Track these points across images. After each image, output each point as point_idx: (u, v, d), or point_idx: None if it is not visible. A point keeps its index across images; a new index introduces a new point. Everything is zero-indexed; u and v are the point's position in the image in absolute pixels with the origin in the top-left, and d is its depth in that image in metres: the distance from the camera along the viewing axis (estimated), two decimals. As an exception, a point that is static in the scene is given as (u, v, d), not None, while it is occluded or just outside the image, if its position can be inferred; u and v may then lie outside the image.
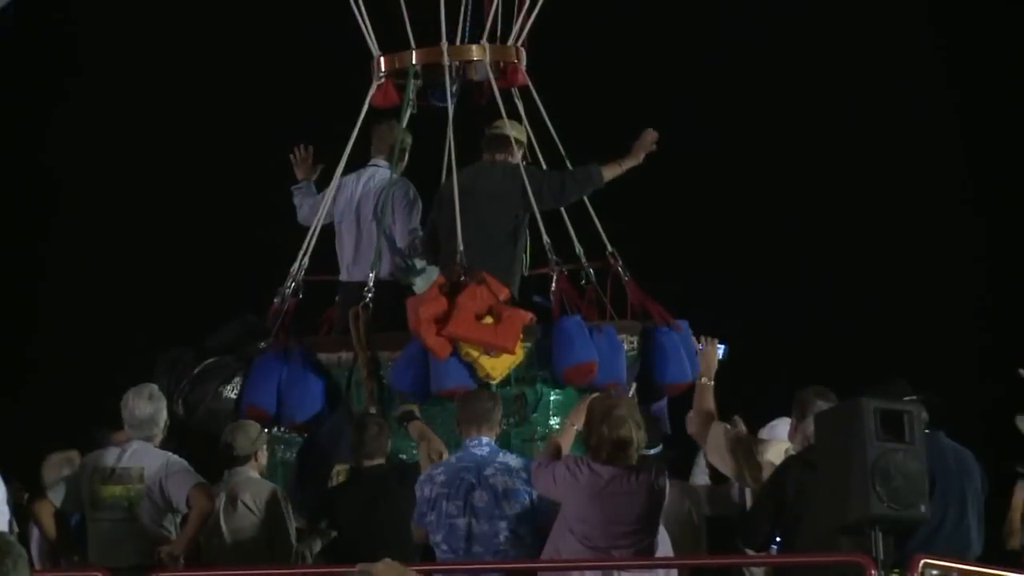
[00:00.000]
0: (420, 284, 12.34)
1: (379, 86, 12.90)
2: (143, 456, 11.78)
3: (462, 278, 12.01)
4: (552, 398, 12.31)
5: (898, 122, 24.50)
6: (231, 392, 12.52)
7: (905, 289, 23.09)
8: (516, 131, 12.85)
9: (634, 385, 12.35)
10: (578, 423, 11.03)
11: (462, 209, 12.30)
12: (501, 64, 13.01)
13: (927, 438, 10.38)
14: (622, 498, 10.59)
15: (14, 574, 5.55)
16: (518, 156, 12.76)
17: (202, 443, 12.62)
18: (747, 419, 12.31)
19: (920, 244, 23.94)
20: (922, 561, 9.98)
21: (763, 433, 12.08)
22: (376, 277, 12.38)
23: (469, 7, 12.90)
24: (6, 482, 11.04)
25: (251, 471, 11.95)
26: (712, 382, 11.61)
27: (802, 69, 24.16)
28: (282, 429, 12.46)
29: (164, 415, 12.15)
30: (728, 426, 11.51)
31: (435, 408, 12.01)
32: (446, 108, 12.90)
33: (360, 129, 13.03)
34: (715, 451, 11.52)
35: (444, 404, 11.99)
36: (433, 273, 12.29)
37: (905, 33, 25.80)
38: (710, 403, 11.49)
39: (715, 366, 11.73)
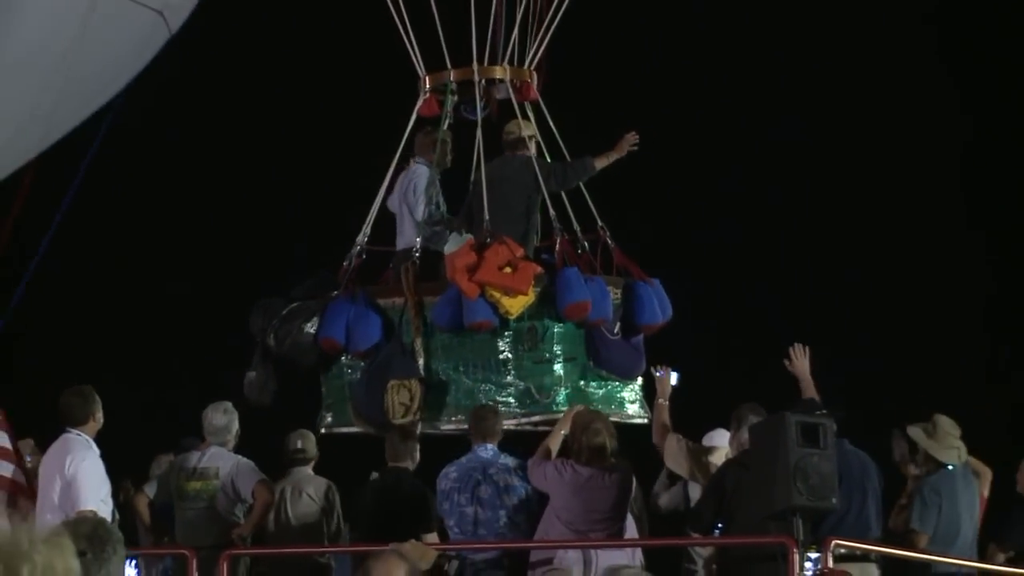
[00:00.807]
0: (449, 247, 13.38)
1: (424, 100, 13.99)
2: (219, 458, 12.96)
3: (488, 240, 13.10)
4: (556, 330, 13.28)
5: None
6: (311, 328, 13.33)
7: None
8: (528, 130, 13.92)
9: (619, 324, 13.41)
10: (565, 430, 12.24)
11: (488, 191, 13.46)
12: (518, 82, 14.12)
13: (836, 445, 11.43)
14: (598, 492, 11.81)
15: (115, 557, 5.89)
16: (532, 151, 13.80)
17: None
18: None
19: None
20: (833, 542, 11.03)
21: (704, 441, 13.24)
22: (405, 244, 13.67)
23: (493, 35, 13.89)
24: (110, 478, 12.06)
25: (310, 469, 13.15)
26: (667, 402, 12.68)
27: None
28: (350, 356, 13.38)
29: (236, 425, 13.25)
30: (680, 436, 12.52)
31: (466, 337, 13.08)
32: (472, 118, 13.95)
33: (410, 138, 14.13)
34: (671, 457, 12.64)
35: (473, 335, 13.01)
36: (460, 239, 13.34)
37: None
38: (666, 419, 12.55)
39: (669, 390, 12.72)
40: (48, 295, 17.82)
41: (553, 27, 13.73)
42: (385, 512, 12.45)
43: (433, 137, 13.83)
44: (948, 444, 12.68)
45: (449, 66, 13.76)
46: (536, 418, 13.11)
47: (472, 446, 12.50)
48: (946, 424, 12.75)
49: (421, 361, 12.97)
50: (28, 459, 12.98)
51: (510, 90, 13.70)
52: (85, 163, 15.21)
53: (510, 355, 13.05)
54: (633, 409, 13.46)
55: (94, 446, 11.96)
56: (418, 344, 12.97)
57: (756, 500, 11.32)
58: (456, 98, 13.75)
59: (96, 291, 19.93)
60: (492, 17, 13.58)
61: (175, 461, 13.25)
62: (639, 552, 11.91)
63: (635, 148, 13.75)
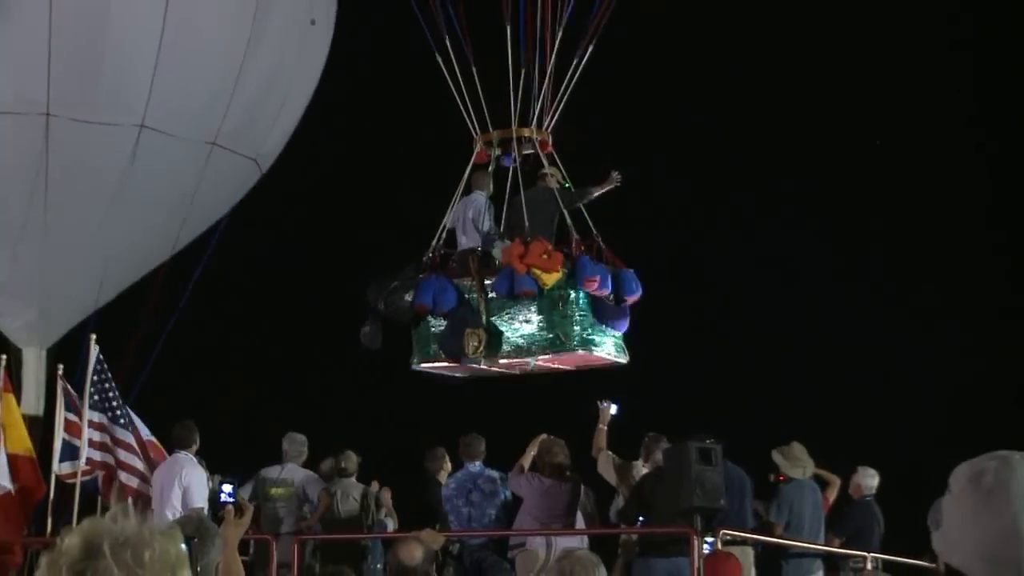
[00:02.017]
0: (496, 250, 13.37)
1: (477, 151, 13.83)
2: (294, 472, 12.92)
3: (528, 239, 12.94)
4: (573, 297, 13.01)
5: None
6: (408, 297, 13.19)
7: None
8: (553, 172, 13.70)
9: (612, 295, 13.16)
10: (533, 451, 11.97)
11: (527, 208, 13.28)
12: (539, 140, 13.85)
13: (723, 463, 11.39)
14: (556, 497, 11.78)
15: (212, 547, 5.89)
16: (554, 184, 13.60)
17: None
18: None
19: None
20: (721, 531, 11.08)
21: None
22: (470, 245, 13.58)
23: (523, 108, 13.62)
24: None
25: (354, 479, 13.03)
26: (605, 427, 12.42)
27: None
28: (436, 315, 13.22)
29: (304, 449, 13.20)
30: (610, 453, 12.35)
31: (516, 301, 12.94)
32: (512, 167, 13.76)
33: (469, 176, 13.90)
34: (602, 468, 12.34)
35: (520, 300, 12.88)
36: (504, 243, 13.32)
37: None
38: (603, 442, 12.32)
39: (608, 418, 12.44)
40: (186, 352, 17.30)
41: (561, 104, 13.65)
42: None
43: (485, 175, 13.85)
44: (797, 463, 12.56)
45: (492, 129, 13.76)
46: (562, 354, 13.13)
47: (464, 464, 12.50)
48: (797, 449, 12.63)
49: (484, 317, 13.03)
50: None
51: (536, 144, 13.67)
52: (199, 268, 15.35)
53: (544, 310, 13.03)
54: (614, 352, 13.36)
55: (196, 462, 12.01)
56: (481, 306, 13.01)
57: (667, 502, 11.31)
58: (499, 151, 13.76)
59: (215, 358, 19.24)
60: (519, 99, 13.53)
61: (261, 473, 13.06)
62: (586, 538, 11.84)
63: (618, 183, 13.66)
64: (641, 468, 12.29)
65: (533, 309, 12.98)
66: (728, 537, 11.21)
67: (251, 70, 14.28)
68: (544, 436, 12.13)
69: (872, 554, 12.66)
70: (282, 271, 20.14)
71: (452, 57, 13.50)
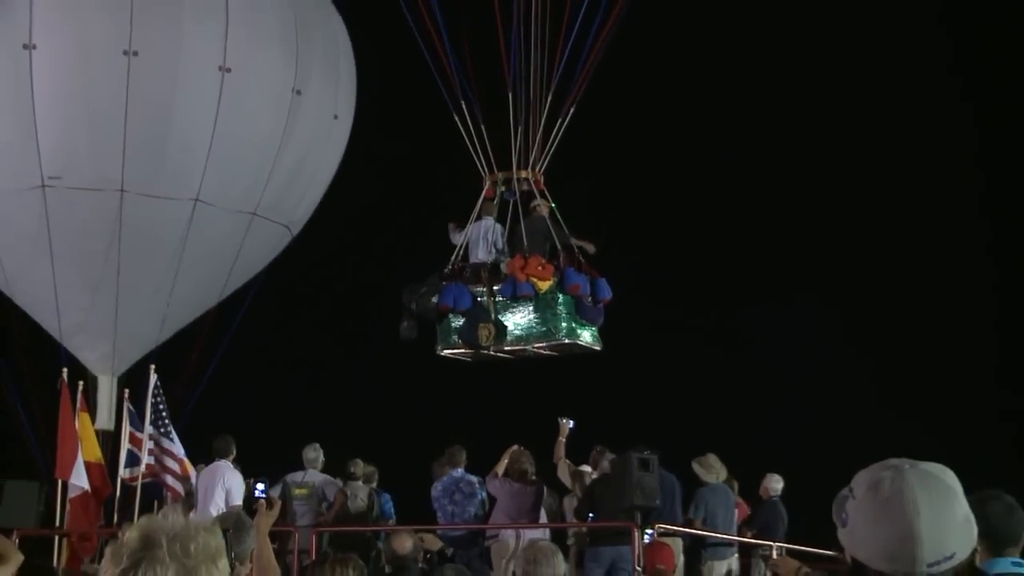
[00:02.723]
0: (502, 264, 13.38)
1: (487, 188, 13.85)
2: (314, 476, 12.72)
3: (528, 255, 13.05)
4: (562, 299, 13.13)
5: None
6: (434, 299, 13.25)
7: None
8: (543, 203, 13.62)
9: (590, 298, 13.28)
10: (506, 460, 11.98)
11: (526, 232, 13.34)
12: (533, 179, 13.83)
13: (658, 470, 11.43)
14: (524, 498, 11.76)
15: (247, 537, 5.72)
16: (544, 212, 13.42)
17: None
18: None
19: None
20: (657, 525, 11.11)
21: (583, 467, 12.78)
22: (481, 259, 13.58)
23: (522, 153, 13.70)
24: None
25: (362, 482, 12.86)
26: (564, 440, 12.27)
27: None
28: (456, 312, 13.27)
29: (321, 457, 12.91)
30: (568, 462, 12.27)
31: (513, 302, 13.15)
32: (513, 199, 13.73)
33: (480, 206, 13.78)
34: (561, 475, 12.26)
35: (520, 301, 13.06)
36: (508, 259, 13.38)
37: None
38: (561, 452, 12.23)
39: (567, 432, 12.27)
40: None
41: (551, 150, 13.73)
42: None
43: (492, 206, 13.89)
44: (710, 471, 12.50)
45: (496, 171, 13.82)
46: (553, 343, 13.28)
47: (449, 470, 12.32)
48: (711, 458, 12.58)
49: (493, 314, 13.19)
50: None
51: (531, 183, 13.74)
52: (241, 312, 15.32)
53: (539, 309, 13.20)
54: (591, 340, 13.53)
55: (234, 468, 11.99)
56: (491, 306, 13.21)
57: (613, 501, 11.33)
58: (503, 188, 13.84)
59: (252, 384, 18.77)
60: (518, 149, 13.64)
61: (286, 477, 12.81)
62: (548, 530, 11.81)
63: (592, 251, 13.70)
64: (591, 474, 12.23)
65: (530, 308, 13.23)
66: (662, 530, 11.23)
67: (286, 155, 14.35)
68: (515, 447, 12.13)
69: (777, 543, 12.62)
70: (308, 316, 20.05)
71: (468, 117, 13.59)
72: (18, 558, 7.18)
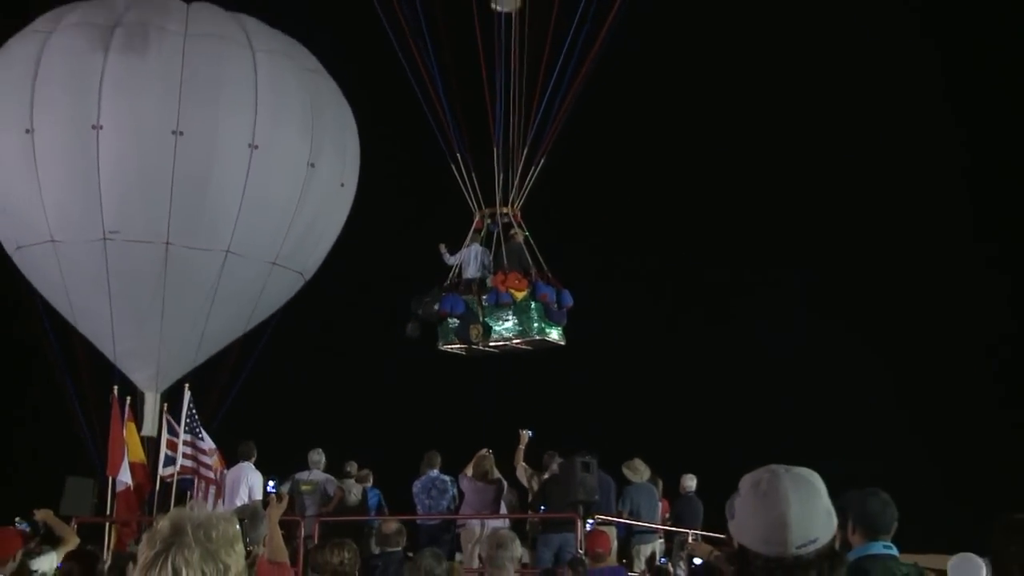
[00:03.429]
0: (487, 279, 13.37)
1: (476, 220, 13.79)
2: (317, 475, 12.60)
3: (507, 271, 13.12)
4: (534, 306, 13.18)
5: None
6: (436, 306, 13.27)
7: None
8: (519, 232, 13.64)
9: (556, 304, 13.37)
10: (473, 463, 11.79)
11: (507, 254, 13.42)
12: (512, 213, 13.76)
13: (597, 471, 11.46)
14: (486, 493, 11.66)
15: (261, 525, 5.77)
16: (520, 240, 13.49)
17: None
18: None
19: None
20: (596, 516, 11.22)
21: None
22: (472, 275, 13.59)
23: (503, 193, 13.71)
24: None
25: (355, 481, 12.70)
26: (523, 447, 12.05)
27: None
28: (452, 316, 13.28)
29: (324, 460, 12.70)
30: (526, 466, 12.08)
31: (496, 308, 13.20)
32: (496, 229, 13.70)
33: (471, 234, 13.81)
34: (520, 477, 12.07)
35: (502, 307, 13.10)
36: (492, 275, 13.42)
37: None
38: (520, 458, 12.04)
39: (526, 441, 12.06)
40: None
41: (526, 191, 13.75)
42: None
43: (480, 235, 13.86)
44: (636, 472, 12.47)
45: (484, 207, 13.79)
46: (527, 339, 13.28)
47: (427, 471, 12.10)
48: (637, 462, 12.54)
49: (481, 317, 13.17)
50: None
51: (510, 216, 13.75)
52: (263, 341, 15.18)
53: (516, 313, 13.19)
54: (557, 337, 13.46)
55: (255, 468, 12.07)
56: (479, 311, 13.18)
57: (561, 497, 11.31)
58: (489, 220, 13.77)
59: (269, 399, 18.10)
60: (500, 189, 13.65)
61: (295, 475, 12.64)
62: (507, 521, 11.74)
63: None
64: (544, 475, 12.05)
65: (510, 313, 13.25)
66: (600, 520, 11.26)
67: (301, 216, 14.36)
68: (480, 452, 12.03)
69: (692, 530, 12.65)
70: (317, 345, 19.77)
71: (461, 167, 13.57)
72: (75, 540, 7.31)
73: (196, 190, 13.46)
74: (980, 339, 20.26)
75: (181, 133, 13.29)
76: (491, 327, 13.16)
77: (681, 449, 15.85)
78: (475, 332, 13.06)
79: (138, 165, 13.30)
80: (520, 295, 12.98)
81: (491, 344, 13.26)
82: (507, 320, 13.13)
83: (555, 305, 13.15)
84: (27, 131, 13.15)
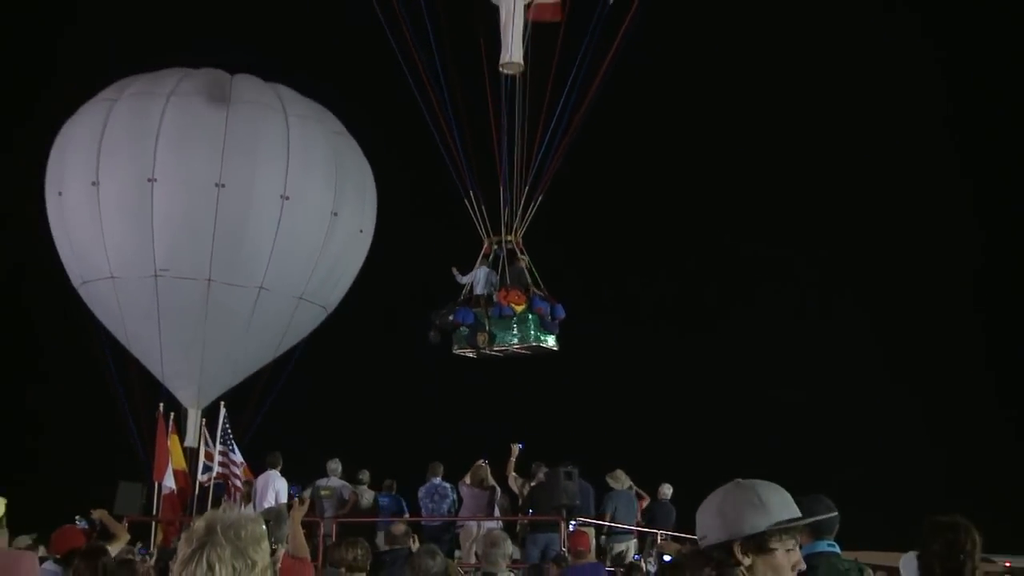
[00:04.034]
0: (494, 295, 12.93)
1: (485, 247, 13.23)
2: (334, 482, 12.45)
3: (509, 289, 12.80)
4: (532, 318, 12.81)
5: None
6: (451, 317, 12.91)
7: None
8: (522, 257, 13.17)
9: (551, 316, 12.99)
10: (473, 472, 11.81)
11: (510, 274, 12.98)
12: (515, 240, 13.24)
13: (578, 479, 11.41)
14: (482, 498, 11.68)
15: (284, 526, 5.63)
16: (523, 265, 13.02)
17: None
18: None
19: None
20: (578, 517, 11.17)
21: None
22: (481, 292, 13.13)
23: (508, 223, 13.24)
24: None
25: (367, 487, 12.54)
26: (514, 459, 11.96)
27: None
28: (463, 326, 12.93)
29: (340, 468, 12.51)
30: (516, 475, 11.93)
31: (500, 319, 12.87)
32: (502, 254, 13.19)
33: (480, 258, 13.27)
34: (512, 485, 11.92)
35: (505, 318, 12.76)
36: (497, 291, 13.00)
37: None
38: (511, 468, 11.92)
39: (516, 453, 11.97)
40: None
41: (528, 221, 13.35)
42: None
43: (488, 259, 13.46)
44: (617, 481, 12.37)
45: (492, 235, 13.31)
46: (525, 345, 12.97)
47: (430, 478, 12.10)
48: (619, 472, 12.44)
49: (487, 327, 12.91)
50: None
51: (514, 243, 13.29)
52: (288, 367, 15.07)
53: (517, 323, 12.92)
54: (552, 344, 13.15)
55: (280, 476, 11.92)
56: (486, 321, 12.88)
57: (547, 502, 11.26)
58: (496, 246, 13.32)
59: (294, 415, 17.33)
60: (506, 220, 13.23)
61: (316, 483, 12.43)
62: (500, 522, 11.54)
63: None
64: (531, 482, 11.90)
65: (512, 323, 12.98)
66: (581, 521, 11.22)
67: (325, 257, 14.33)
68: (478, 463, 12.00)
69: (663, 532, 12.56)
70: (336, 369, 19.52)
71: (473, 200, 13.27)
72: (126, 537, 7.16)
73: (235, 234, 13.51)
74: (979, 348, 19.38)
75: (223, 185, 13.33)
76: (496, 335, 13.04)
77: (661, 459, 15.74)
78: (482, 339, 12.95)
79: (185, 213, 13.32)
80: (520, 308, 12.90)
81: (496, 349, 13.17)
82: (509, 329, 13.03)
83: (549, 317, 13.05)
84: (93, 183, 13.26)
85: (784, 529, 2.18)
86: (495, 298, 13.16)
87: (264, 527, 2.18)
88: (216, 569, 2.04)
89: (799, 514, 2.23)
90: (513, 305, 12.92)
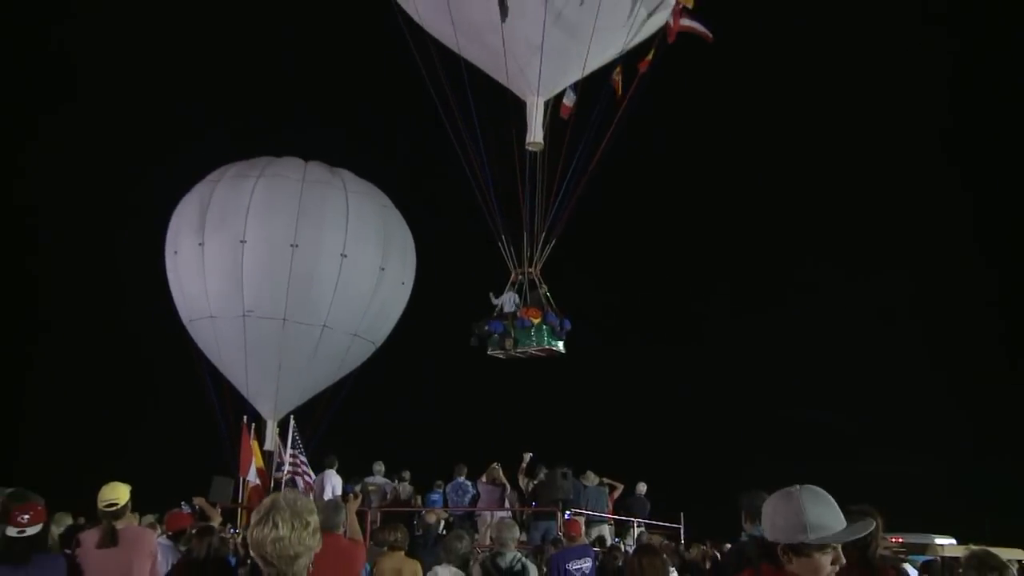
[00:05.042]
0: (517, 311, 12.40)
1: (512, 276, 12.68)
2: (379, 479, 12.41)
3: (528, 307, 12.27)
4: (546, 328, 12.27)
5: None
6: (486, 327, 12.39)
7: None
8: (540, 285, 12.65)
9: (561, 326, 12.47)
10: (488, 472, 11.79)
11: (530, 298, 12.43)
12: (536, 272, 12.68)
13: (571, 478, 11.39)
14: (495, 494, 11.73)
15: (341, 514, 5.20)
16: (541, 292, 12.50)
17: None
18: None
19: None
20: (572, 509, 11.05)
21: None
22: (508, 310, 12.54)
23: (530, 258, 12.67)
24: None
25: (408, 483, 12.25)
26: (525, 464, 11.84)
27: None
28: (496, 333, 12.35)
29: (384, 468, 12.33)
30: (524, 476, 11.80)
31: (522, 329, 12.34)
32: (524, 282, 12.60)
33: (508, 285, 12.66)
34: (522, 485, 11.89)
35: (525, 328, 12.20)
36: (520, 309, 12.47)
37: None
38: (521, 472, 11.84)
39: (527, 459, 11.78)
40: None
41: (545, 257, 12.70)
42: None
43: (515, 286, 12.88)
44: (588, 480, 12.19)
45: (517, 267, 12.80)
46: (541, 348, 12.40)
47: (456, 477, 12.00)
48: (589, 473, 12.26)
49: (512, 334, 12.36)
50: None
51: (535, 274, 12.74)
52: (343, 394, 14.75)
53: (534, 332, 12.32)
54: (561, 348, 12.54)
55: (336, 474, 11.80)
56: (512, 330, 12.39)
57: (547, 496, 11.18)
58: (520, 276, 12.80)
59: (348, 426, 16.28)
60: (527, 253, 12.71)
61: (365, 479, 12.31)
62: (510, 513, 11.38)
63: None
64: (535, 481, 11.92)
65: (531, 331, 12.60)
66: (573, 511, 11.10)
67: (374, 303, 14.19)
68: (493, 464, 11.90)
69: (638, 520, 12.41)
70: (383, 391, 19.19)
71: (503, 240, 12.89)
72: (218, 519, 7.44)
73: (304, 283, 13.46)
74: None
75: (296, 245, 13.39)
76: (519, 340, 12.79)
77: (637, 458, 15.38)
78: (509, 343, 12.68)
79: (267, 266, 13.30)
80: (536, 320, 12.70)
81: (518, 351, 12.91)
82: (528, 336, 12.81)
83: (559, 328, 12.88)
84: (199, 244, 13.47)
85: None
86: (518, 313, 12.91)
87: (312, 504, 2.16)
88: (280, 526, 2.06)
89: (843, 524, 2.10)
90: (531, 318, 12.74)
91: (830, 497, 2.08)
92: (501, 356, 12.99)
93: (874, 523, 3.24)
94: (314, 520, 2.12)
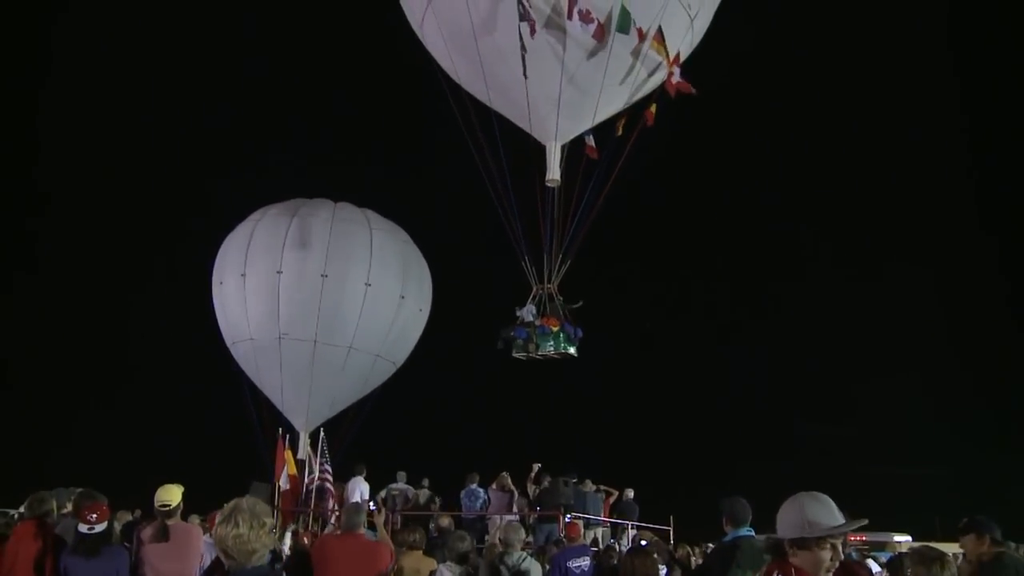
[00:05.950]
0: (538, 320, 12.21)
1: (533, 291, 12.43)
2: (401, 486, 12.37)
3: (547, 316, 12.05)
4: (562, 334, 12.09)
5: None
6: (511, 333, 12.13)
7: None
8: (559, 301, 12.36)
9: (574, 334, 12.21)
10: (498, 480, 11.49)
11: (548, 309, 12.21)
12: (555, 288, 12.44)
13: (572, 485, 11.46)
14: (504, 500, 11.53)
15: (361, 515, 5.09)
16: (558, 305, 12.29)
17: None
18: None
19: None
20: (571, 514, 10.79)
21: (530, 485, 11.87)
22: (530, 320, 12.24)
23: (549, 273, 12.31)
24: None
25: (427, 489, 12.18)
26: (533, 475, 11.64)
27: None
28: (518, 339, 12.02)
29: (406, 476, 12.27)
30: (534, 485, 11.58)
31: (542, 335, 12.06)
32: (544, 295, 12.33)
33: (529, 299, 12.37)
34: (530, 491, 11.59)
35: (545, 334, 11.96)
36: (541, 318, 12.18)
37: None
38: (529, 481, 11.63)
39: (535, 470, 11.64)
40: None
41: (563, 273, 12.49)
42: None
43: (535, 299, 12.61)
44: (585, 487, 12.07)
45: (537, 283, 12.47)
46: (558, 351, 12.10)
47: (469, 484, 11.80)
48: (587, 481, 12.16)
49: (534, 339, 12.17)
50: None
51: (553, 289, 12.48)
52: (367, 408, 14.64)
53: (552, 338, 12.12)
54: (574, 351, 12.31)
55: (364, 480, 11.79)
56: (533, 336, 12.17)
57: (550, 501, 11.06)
58: (541, 291, 12.52)
59: (371, 438, 15.78)
60: (546, 270, 12.49)
61: (389, 485, 12.31)
62: (518, 516, 10.93)
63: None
64: (540, 487, 11.75)
65: (550, 337, 12.37)
66: (573, 515, 10.92)
67: (394, 327, 14.09)
68: (502, 473, 11.76)
69: (631, 522, 12.27)
70: (404, 406, 19.09)
71: (526, 260, 12.53)
72: None
73: (333, 309, 13.45)
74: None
75: (326, 276, 13.40)
76: (539, 344, 12.62)
77: (631, 463, 15.41)
78: (531, 347, 12.54)
79: (301, 294, 13.31)
80: (554, 328, 12.59)
81: (539, 354, 12.74)
82: (547, 341, 12.64)
83: (573, 335, 12.74)
84: (242, 275, 13.58)
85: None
86: (538, 322, 12.62)
87: (270, 509, 2.32)
88: (240, 525, 2.19)
89: (839, 522, 2.18)
90: (551, 326, 12.47)
91: (830, 500, 2.15)
92: (523, 358, 12.82)
93: (865, 521, 3.38)
94: (269, 522, 2.25)
